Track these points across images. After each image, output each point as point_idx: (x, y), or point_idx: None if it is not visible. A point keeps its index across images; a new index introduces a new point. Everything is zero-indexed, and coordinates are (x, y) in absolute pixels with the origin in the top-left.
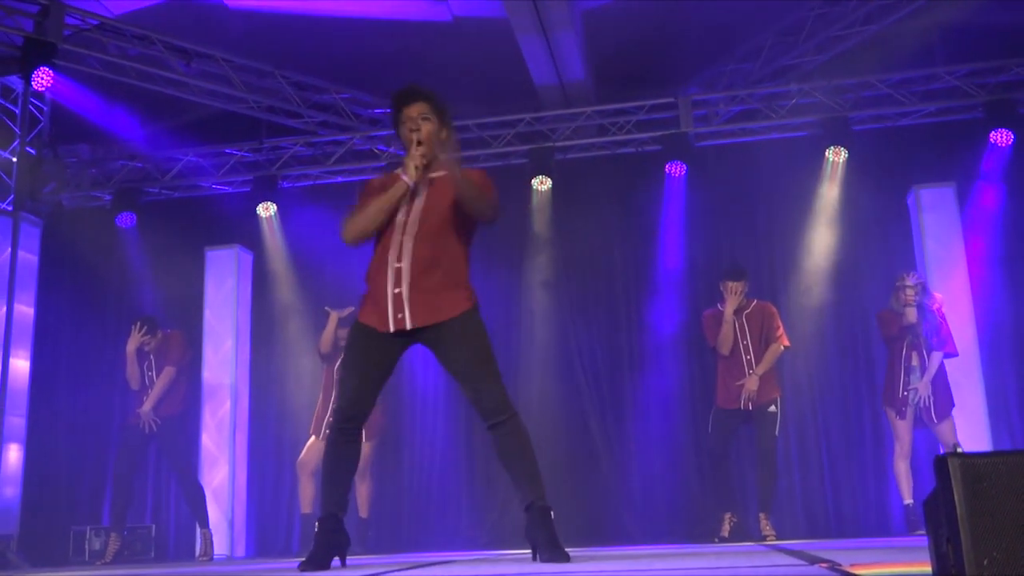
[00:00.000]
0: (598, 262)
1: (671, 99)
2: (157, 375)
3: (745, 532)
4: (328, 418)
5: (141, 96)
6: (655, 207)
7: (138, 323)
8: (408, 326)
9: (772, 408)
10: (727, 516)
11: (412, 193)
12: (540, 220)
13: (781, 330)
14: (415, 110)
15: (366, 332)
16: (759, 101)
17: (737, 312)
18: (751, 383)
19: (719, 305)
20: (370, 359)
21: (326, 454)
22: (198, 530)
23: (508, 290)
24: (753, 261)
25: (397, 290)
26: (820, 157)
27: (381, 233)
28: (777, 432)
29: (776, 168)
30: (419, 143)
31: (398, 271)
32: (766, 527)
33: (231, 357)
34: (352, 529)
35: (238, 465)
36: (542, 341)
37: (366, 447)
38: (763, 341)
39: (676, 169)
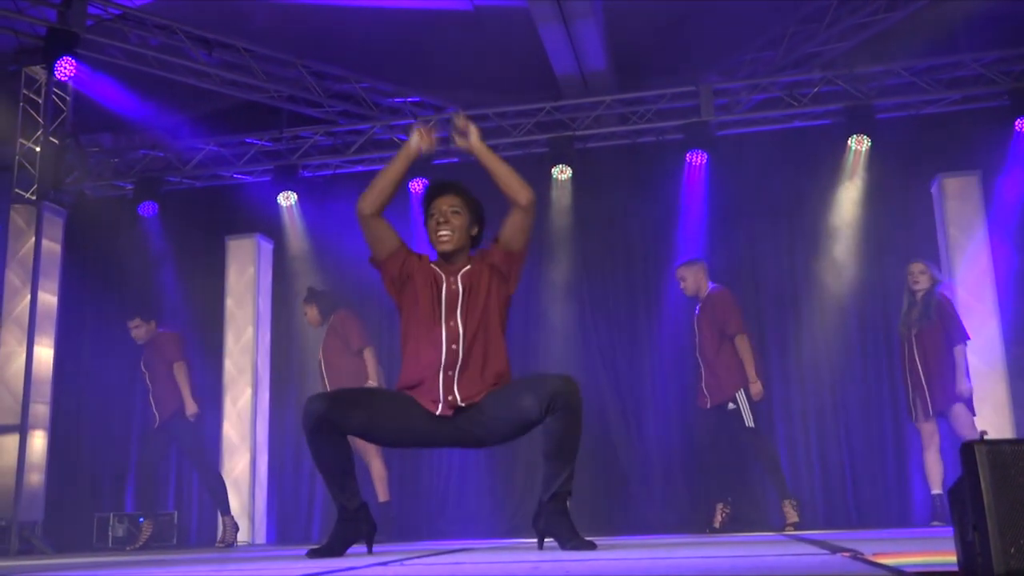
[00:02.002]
0: (618, 251)
1: (692, 87)
2: (151, 377)
3: (744, 522)
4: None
5: (162, 86)
6: (676, 196)
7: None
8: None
9: (731, 406)
10: (719, 507)
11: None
12: (560, 209)
13: (733, 319)
14: (445, 202)
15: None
16: (781, 89)
17: (694, 304)
18: (758, 392)
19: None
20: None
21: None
22: (220, 517)
23: (527, 279)
24: (774, 251)
25: (450, 372)
26: (843, 146)
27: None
28: (750, 423)
29: (798, 157)
30: (445, 232)
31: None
32: (788, 513)
33: (251, 345)
34: (376, 516)
35: (259, 453)
36: (561, 330)
37: None
38: (713, 333)
39: (697, 158)
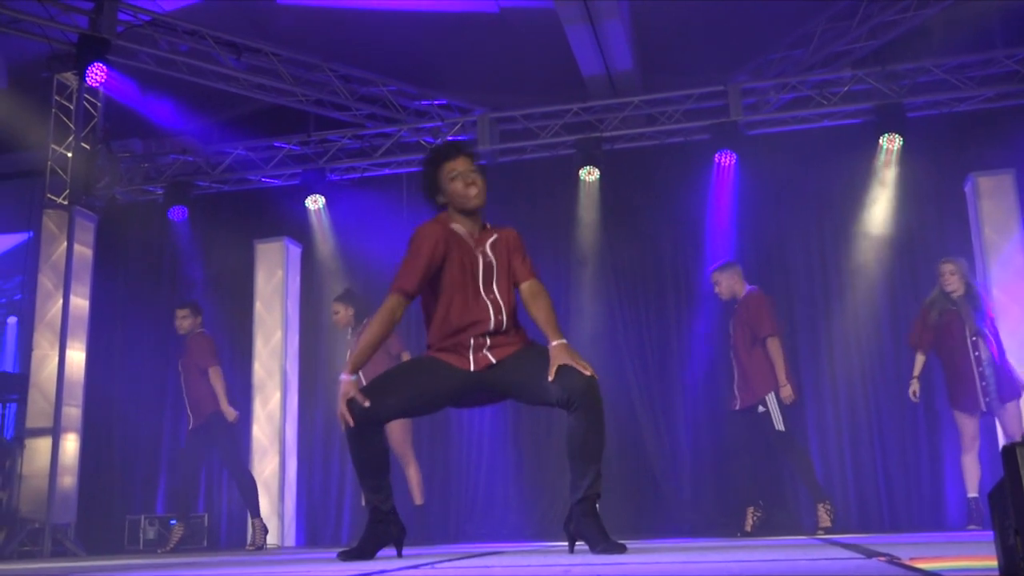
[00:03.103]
0: (646, 252)
1: (720, 87)
2: (185, 377)
3: (776, 526)
4: None
5: (191, 91)
6: (704, 197)
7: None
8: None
9: (761, 408)
10: (750, 510)
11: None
12: (588, 211)
13: (767, 319)
14: (462, 163)
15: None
16: (810, 88)
17: (729, 306)
18: (788, 397)
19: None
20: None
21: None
22: (250, 519)
23: (554, 282)
24: (805, 252)
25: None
26: (874, 145)
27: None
28: (780, 426)
29: (829, 157)
30: (476, 191)
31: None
32: (821, 517)
33: (280, 349)
34: (409, 519)
35: (288, 456)
36: (590, 333)
37: (396, 425)
38: (745, 335)
39: (726, 159)
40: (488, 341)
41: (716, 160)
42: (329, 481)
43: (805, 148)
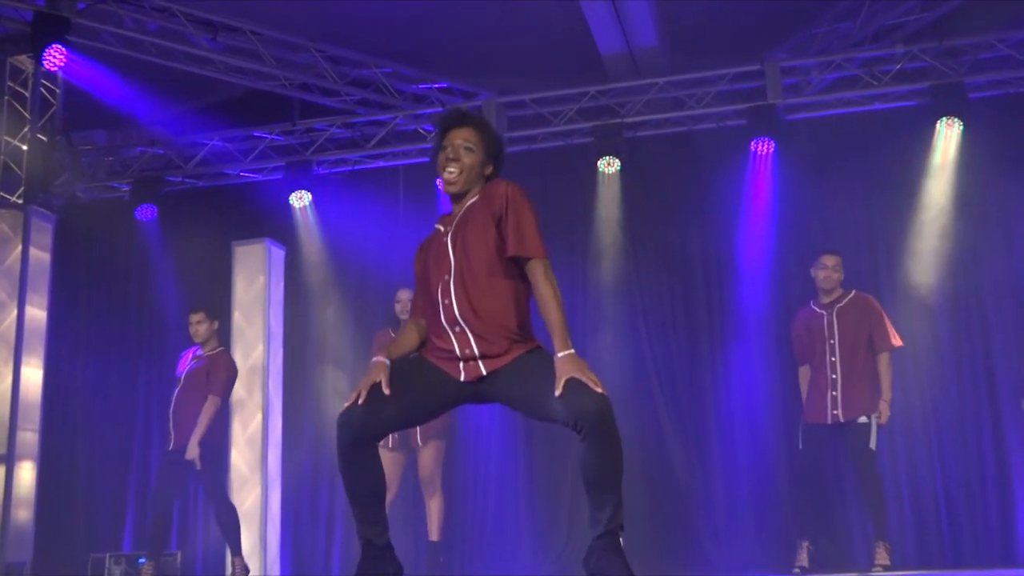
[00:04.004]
0: (674, 254)
1: (757, 66)
2: (182, 395)
3: (832, 561)
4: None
5: (162, 75)
6: (739, 190)
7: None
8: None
9: (863, 419)
10: (804, 544)
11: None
12: (607, 207)
13: (891, 331)
14: (459, 136)
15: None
16: (858, 67)
17: (830, 305)
18: (882, 410)
19: (812, 303)
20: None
21: (344, 470)
22: (229, 558)
23: (571, 287)
24: (852, 251)
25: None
26: (931, 130)
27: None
28: (873, 444)
29: (880, 144)
30: (452, 171)
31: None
32: (880, 555)
33: (262, 365)
34: (423, 555)
35: (271, 485)
36: (610, 344)
37: (429, 452)
38: (859, 342)
39: (763, 146)
40: (475, 347)
41: (752, 148)
42: (317, 513)
43: (853, 134)
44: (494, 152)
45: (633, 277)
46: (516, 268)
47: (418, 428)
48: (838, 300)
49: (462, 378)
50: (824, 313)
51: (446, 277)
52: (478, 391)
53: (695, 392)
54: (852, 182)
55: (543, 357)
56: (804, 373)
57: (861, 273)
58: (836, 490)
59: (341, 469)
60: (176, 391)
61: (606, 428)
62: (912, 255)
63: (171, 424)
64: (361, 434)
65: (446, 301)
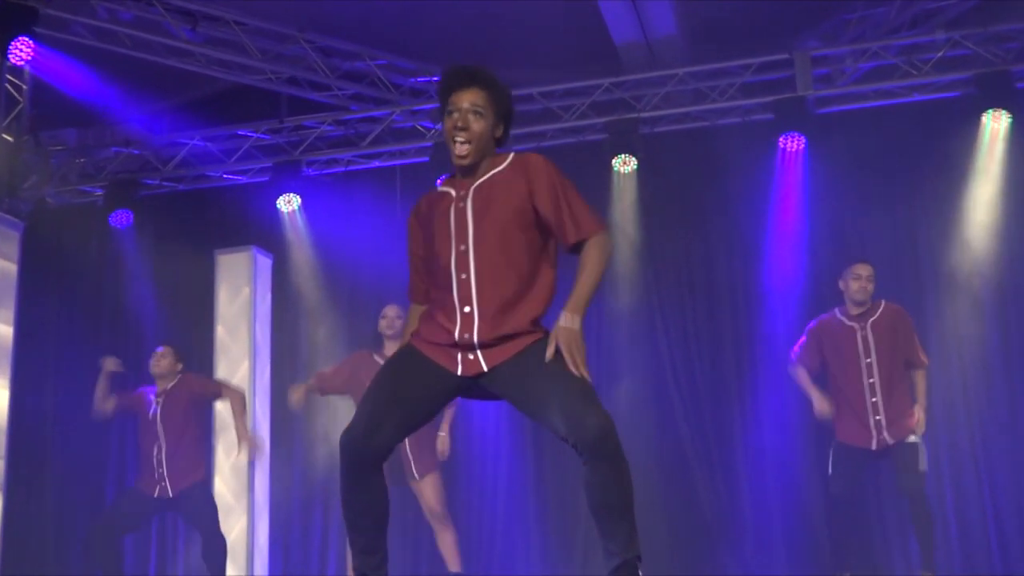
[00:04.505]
0: (695, 259)
1: (785, 55)
2: (167, 431)
3: None
4: None
5: (137, 69)
6: (766, 191)
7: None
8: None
9: (912, 438)
10: None
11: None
12: (623, 209)
13: (918, 343)
14: (466, 98)
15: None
16: (896, 55)
17: (861, 318)
18: (920, 418)
19: (838, 312)
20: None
21: (345, 494)
22: None
23: None
24: (893, 253)
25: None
26: (976, 123)
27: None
28: (924, 467)
29: (919, 139)
30: (463, 142)
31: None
32: None
33: (248, 383)
34: None
35: (258, 516)
36: (628, 356)
37: (429, 485)
38: (896, 358)
39: (792, 143)
40: (475, 334)
41: (780, 145)
42: (309, 545)
43: (890, 129)
44: (504, 111)
45: (651, 286)
46: (545, 256)
47: (412, 461)
48: (870, 313)
49: (459, 372)
50: (856, 327)
51: (462, 247)
52: (476, 387)
53: (720, 410)
54: (890, 180)
55: (545, 367)
56: (803, 374)
57: (902, 278)
58: (876, 517)
59: (343, 494)
60: (157, 433)
61: (608, 450)
62: (957, 258)
63: (163, 470)
64: (366, 453)
65: (463, 275)
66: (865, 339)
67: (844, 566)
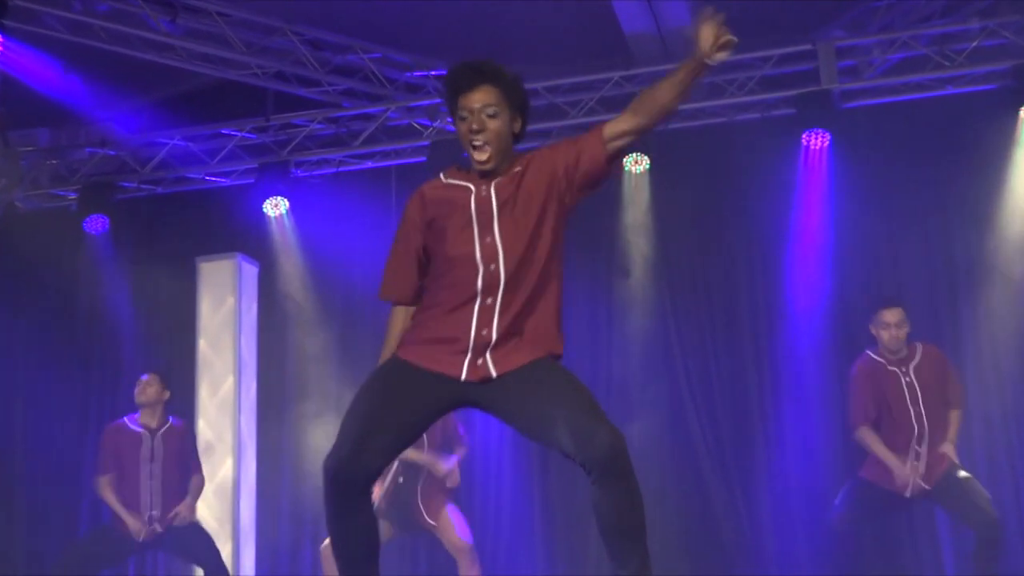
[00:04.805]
0: (713, 266)
1: (808, 46)
2: (164, 478)
3: None
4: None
5: (114, 64)
6: (789, 190)
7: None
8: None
9: (962, 473)
10: None
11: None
12: (635, 211)
13: (958, 383)
14: (477, 99)
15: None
16: (927, 45)
17: (902, 363)
18: (950, 453)
19: (872, 354)
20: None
21: (331, 521)
22: None
23: (593, 305)
24: (924, 258)
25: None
26: (1013, 117)
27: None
28: (988, 494)
29: (953, 135)
30: (481, 145)
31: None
32: None
33: (232, 400)
34: None
35: (243, 542)
36: (640, 362)
37: (447, 520)
38: (940, 405)
39: (816, 140)
40: (494, 330)
41: (803, 142)
42: (298, 570)
43: (921, 124)
44: (519, 103)
45: (666, 294)
46: (556, 263)
47: (421, 506)
48: (910, 357)
49: (463, 376)
50: (899, 373)
51: (488, 239)
52: (476, 395)
53: (739, 419)
54: (922, 179)
55: (557, 369)
56: (874, 438)
57: (936, 284)
58: (910, 559)
59: (330, 522)
60: (151, 468)
61: (619, 469)
62: (995, 262)
63: (153, 513)
64: (353, 477)
65: (492, 266)
66: (911, 386)
67: None
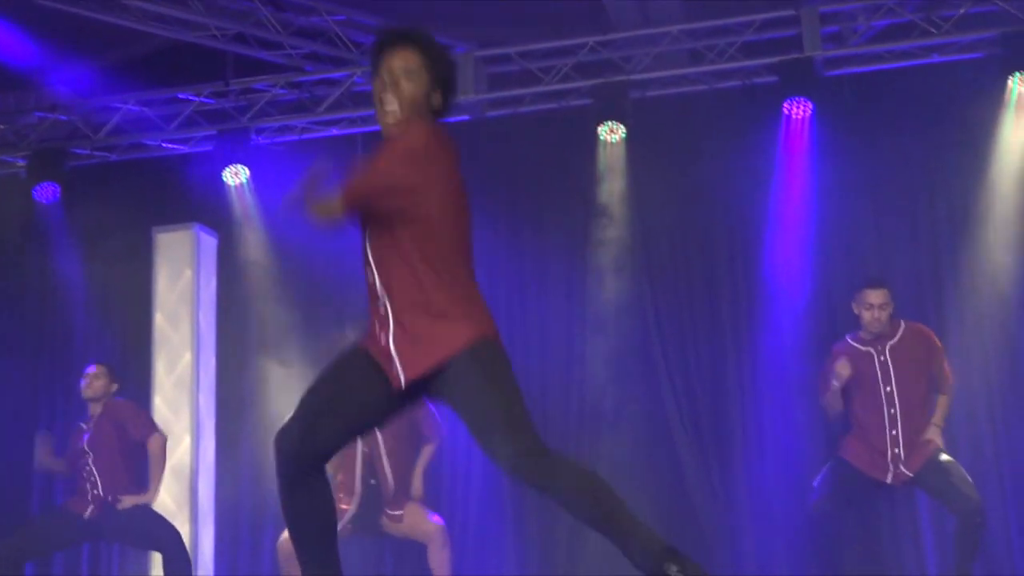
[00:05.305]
0: (691, 238)
1: (791, 11)
2: (97, 459)
3: None
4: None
5: (64, 24)
6: (770, 161)
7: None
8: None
9: (944, 457)
10: None
11: None
12: (611, 183)
13: (947, 367)
14: (397, 61)
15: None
16: (913, 11)
17: (878, 341)
18: (935, 438)
19: (850, 339)
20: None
21: (285, 500)
22: None
23: (568, 278)
24: (908, 233)
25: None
26: (1001, 87)
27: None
28: (969, 477)
29: (939, 105)
30: (388, 103)
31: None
32: None
33: (190, 377)
34: None
35: (202, 522)
36: (615, 350)
37: (413, 512)
38: (919, 385)
39: (798, 109)
40: (390, 332)
41: (785, 110)
42: (259, 554)
43: (907, 93)
44: (442, 76)
45: (642, 263)
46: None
47: (388, 500)
48: (888, 335)
49: (397, 383)
50: (873, 352)
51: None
52: (422, 392)
53: (717, 400)
54: (907, 150)
55: (471, 373)
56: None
57: (918, 261)
58: (891, 553)
59: (282, 500)
60: (86, 451)
61: (534, 481)
62: (979, 238)
63: (98, 491)
64: (304, 456)
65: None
66: (885, 365)
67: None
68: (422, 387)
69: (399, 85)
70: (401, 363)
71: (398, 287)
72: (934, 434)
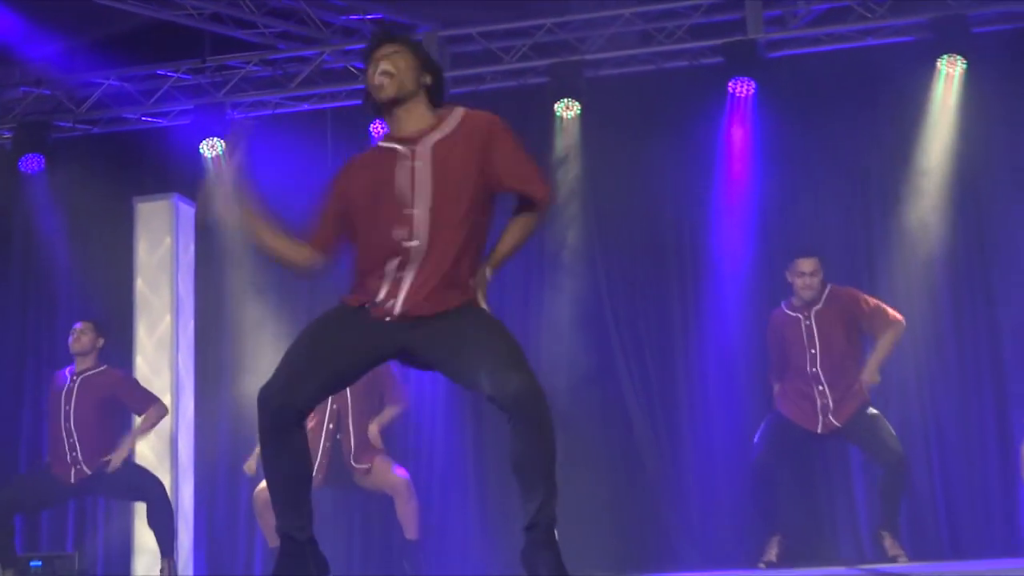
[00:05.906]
0: (641, 210)
1: None
2: (78, 422)
3: (799, 555)
4: None
5: (48, 3)
6: (714, 137)
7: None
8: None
9: (871, 410)
10: (775, 538)
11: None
12: (566, 157)
13: (883, 308)
14: (388, 47)
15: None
16: None
17: (806, 307)
18: (871, 374)
19: (784, 306)
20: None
21: (265, 452)
22: (162, 560)
23: (523, 255)
24: (844, 209)
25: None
26: (931, 69)
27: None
28: (894, 431)
29: (874, 86)
30: (384, 74)
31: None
32: (893, 546)
33: (170, 339)
34: (396, 553)
35: (182, 477)
36: (568, 314)
37: (379, 467)
38: (845, 346)
39: (742, 88)
40: (408, 277)
41: (730, 89)
42: (236, 507)
43: (843, 74)
44: (428, 65)
45: (594, 237)
46: (488, 210)
47: (351, 453)
48: (814, 301)
49: (389, 317)
50: (800, 317)
51: (407, 211)
52: (406, 342)
53: (665, 368)
54: (843, 128)
55: (483, 317)
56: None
57: (853, 235)
58: (825, 499)
59: (262, 452)
60: (68, 415)
61: (532, 413)
62: (910, 215)
63: (76, 453)
64: (286, 409)
65: (414, 243)
66: (809, 328)
67: (774, 529)
68: (408, 337)
69: (393, 58)
70: (406, 305)
71: (438, 253)
72: (869, 370)
